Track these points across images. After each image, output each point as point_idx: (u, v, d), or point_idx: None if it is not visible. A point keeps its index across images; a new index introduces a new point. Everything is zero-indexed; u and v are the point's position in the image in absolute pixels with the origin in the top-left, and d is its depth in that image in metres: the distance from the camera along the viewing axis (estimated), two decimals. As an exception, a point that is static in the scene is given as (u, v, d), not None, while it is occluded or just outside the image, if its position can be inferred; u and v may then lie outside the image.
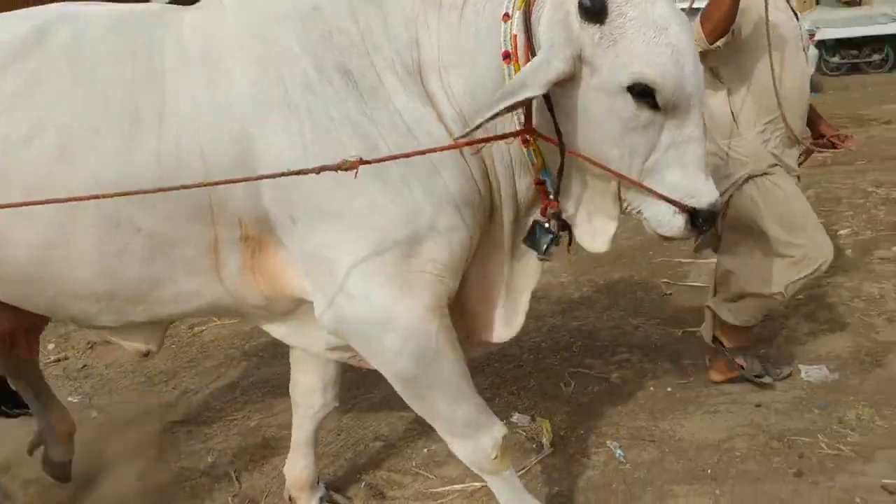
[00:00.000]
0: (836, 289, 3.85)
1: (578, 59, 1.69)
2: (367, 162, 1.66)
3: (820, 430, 2.63)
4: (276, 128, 1.81)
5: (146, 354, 2.37)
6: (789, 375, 3.02)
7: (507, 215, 1.99)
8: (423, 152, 1.77)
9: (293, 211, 1.86)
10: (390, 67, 1.86)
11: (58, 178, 1.82)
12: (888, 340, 3.25)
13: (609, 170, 1.77)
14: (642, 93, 1.67)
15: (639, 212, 1.85)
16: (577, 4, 1.67)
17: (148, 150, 1.82)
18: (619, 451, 2.62)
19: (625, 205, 1.87)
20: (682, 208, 1.78)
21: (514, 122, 1.83)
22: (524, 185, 1.95)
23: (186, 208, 1.85)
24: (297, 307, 2.08)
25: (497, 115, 1.65)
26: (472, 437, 2.04)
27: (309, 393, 2.45)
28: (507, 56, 1.78)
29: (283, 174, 1.66)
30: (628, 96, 1.68)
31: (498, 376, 3.38)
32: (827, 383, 2.97)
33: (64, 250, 1.90)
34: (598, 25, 1.66)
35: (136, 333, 2.22)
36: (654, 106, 1.69)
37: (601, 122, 1.74)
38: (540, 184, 1.90)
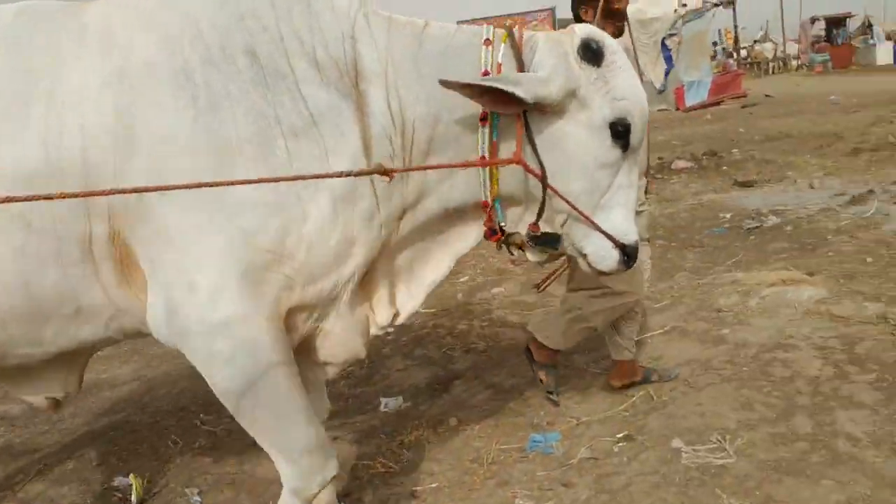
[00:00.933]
0: (436, 328, 4.48)
1: (573, 95, 1.88)
2: (409, 169, 1.91)
3: (381, 453, 3.06)
4: (167, 96, 1.80)
5: (58, 404, 2.27)
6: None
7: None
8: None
9: (153, 178, 1.79)
10: (307, 55, 1.88)
11: None
12: (459, 368, 3.86)
13: (572, 205, 1.94)
14: (618, 133, 1.91)
15: (580, 248, 2.04)
16: (578, 47, 1.89)
17: (36, 133, 1.81)
18: (195, 497, 2.82)
19: (566, 242, 2.05)
20: (618, 245, 1.99)
21: (477, 151, 1.94)
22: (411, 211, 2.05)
23: (63, 204, 1.81)
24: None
25: (471, 86, 1.78)
26: (299, 461, 2.02)
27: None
28: (486, 74, 1.89)
29: (303, 177, 1.76)
30: (607, 133, 1.91)
31: (113, 444, 3.43)
32: (400, 411, 3.45)
33: None
34: (595, 67, 1.90)
35: (53, 375, 2.18)
36: (624, 146, 1.93)
37: (577, 156, 1.92)
38: (487, 207, 2.00)
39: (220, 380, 1.92)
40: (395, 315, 2.18)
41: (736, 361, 3.38)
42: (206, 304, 1.82)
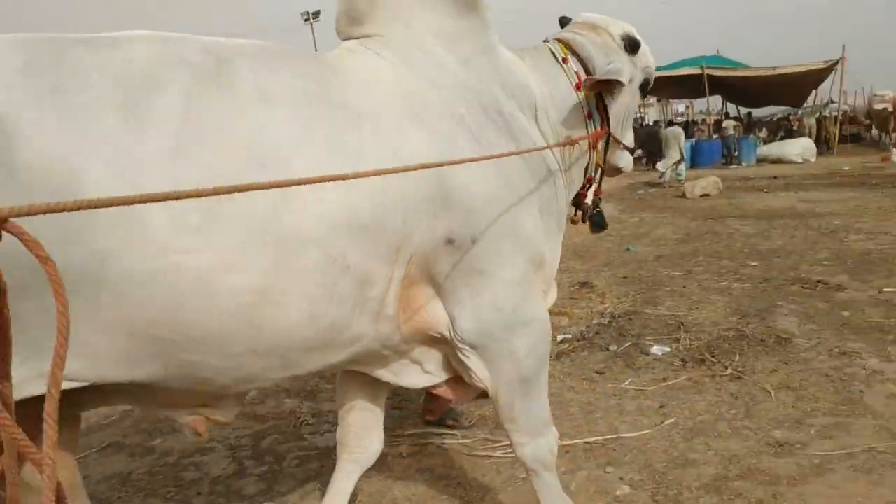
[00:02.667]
0: None
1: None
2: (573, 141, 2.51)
3: None
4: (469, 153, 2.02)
5: (200, 434, 2.06)
6: None
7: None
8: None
9: (474, 231, 2.04)
10: (522, 109, 2.37)
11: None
12: None
13: (626, 146, 2.89)
14: (644, 88, 2.84)
15: (615, 166, 2.94)
16: (623, 43, 2.68)
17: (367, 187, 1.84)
18: None
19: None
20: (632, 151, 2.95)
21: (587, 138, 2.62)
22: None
23: (383, 245, 1.89)
24: (413, 347, 2.19)
25: (601, 83, 2.51)
26: (544, 434, 2.36)
27: (363, 433, 2.58)
28: (578, 87, 2.57)
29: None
30: (639, 91, 2.83)
31: None
32: None
33: (278, 296, 1.73)
34: (635, 55, 2.72)
35: (228, 401, 2.01)
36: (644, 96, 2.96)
37: (627, 115, 2.82)
38: (591, 180, 2.76)
39: (520, 371, 2.23)
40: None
41: (153, 471, 3.55)
42: (511, 317, 2.17)
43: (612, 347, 4.91)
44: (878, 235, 8.41)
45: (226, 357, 1.76)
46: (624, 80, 2.51)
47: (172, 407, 1.98)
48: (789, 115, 29.06)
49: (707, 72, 23.59)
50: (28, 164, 1.48)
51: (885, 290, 5.86)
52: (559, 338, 5.10)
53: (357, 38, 2.21)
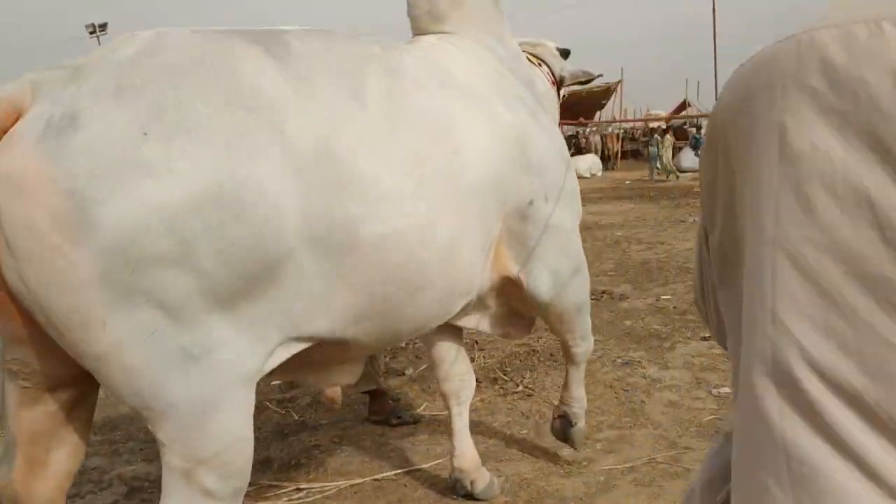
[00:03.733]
0: None
1: None
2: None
3: None
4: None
5: (337, 404, 2.72)
6: None
7: None
8: None
9: (546, 190, 2.42)
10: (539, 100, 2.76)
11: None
12: None
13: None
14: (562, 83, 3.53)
15: None
16: (559, 52, 3.51)
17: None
18: None
19: None
20: None
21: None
22: None
23: (500, 201, 2.26)
24: (489, 296, 2.53)
25: (586, 76, 3.66)
26: (588, 337, 2.97)
27: (462, 376, 3.02)
28: (553, 83, 3.40)
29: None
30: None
31: None
32: None
33: (459, 246, 2.08)
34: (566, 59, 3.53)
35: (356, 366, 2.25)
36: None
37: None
38: None
39: (579, 304, 2.77)
40: None
41: None
42: (574, 262, 2.67)
43: (409, 371, 4.76)
44: (656, 245, 9.05)
45: (422, 308, 2.05)
46: (586, 77, 3.64)
47: (332, 368, 2.17)
48: (577, 132, 31.13)
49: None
50: (295, 134, 1.66)
51: (662, 297, 6.23)
52: (354, 364, 4.87)
53: (436, 34, 2.55)
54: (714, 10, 29.12)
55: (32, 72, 1.55)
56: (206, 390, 1.55)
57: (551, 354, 4.80)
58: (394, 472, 3.32)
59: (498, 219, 2.29)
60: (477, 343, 5.14)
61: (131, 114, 1.47)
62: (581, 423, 3.16)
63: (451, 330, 2.83)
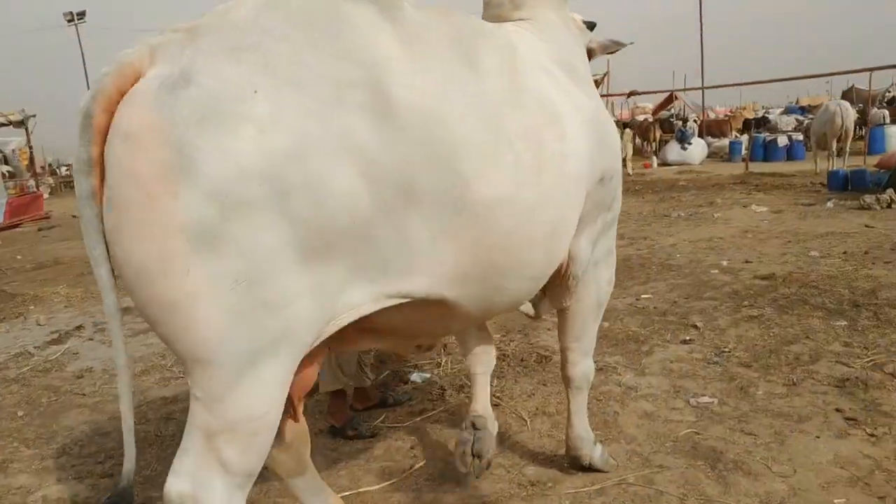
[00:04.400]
0: None
1: None
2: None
3: None
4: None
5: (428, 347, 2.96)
6: None
7: None
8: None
9: (615, 169, 2.57)
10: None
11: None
12: None
13: None
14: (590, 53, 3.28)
15: None
16: (585, 25, 3.14)
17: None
18: None
19: None
20: None
21: None
22: None
23: (585, 182, 2.32)
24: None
25: (618, 45, 3.39)
26: (590, 356, 2.95)
27: (487, 351, 3.17)
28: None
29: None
30: None
31: None
32: None
33: (562, 227, 2.21)
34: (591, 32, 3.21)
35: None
36: None
37: None
38: None
39: (600, 298, 2.81)
40: None
41: None
42: (611, 245, 2.78)
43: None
44: (638, 240, 8.79)
45: (522, 280, 2.07)
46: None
47: (420, 336, 2.32)
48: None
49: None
50: (402, 92, 1.68)
51: (643, 296, 5.97)
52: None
53: (514, 20, 2.62)
54: (701, 4, 28.94)
55: (152, 37, 1.62)
56: (265, 345, 1.55)
57: (522, 360, 4.53)
58: (342, 494, 3.03)
59: (583, 202, 2.35)
60: (445, 346, 4.85)
61: (243, 70, 1.51)
62: (597, 456, 3.05)
63: None
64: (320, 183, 1.53)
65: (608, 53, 3.45)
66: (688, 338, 4.75)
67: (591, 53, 3.26)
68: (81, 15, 33.35)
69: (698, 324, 5.04)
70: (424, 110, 1.70)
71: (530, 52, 2.29)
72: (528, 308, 3.21)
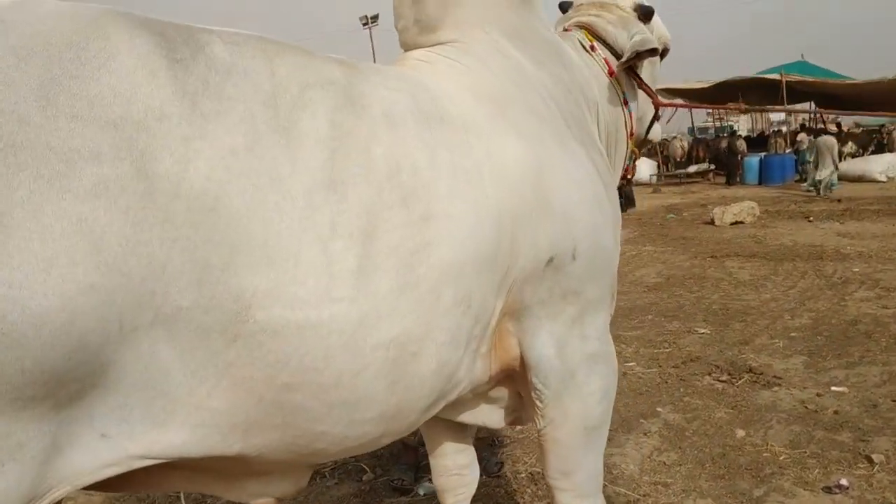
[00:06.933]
0: None
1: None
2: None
3: None
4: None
5: None
6: None
7: None
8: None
9: (577, 244, 1.83)
10: (589, 108, 2.26)
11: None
12: None
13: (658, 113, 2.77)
14: (663, 55, 2.69)
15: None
16: (636, 13, 2.54)
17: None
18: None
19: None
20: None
21: (624, 121, 2.51)
22: None
23: (497, 273, 1.68)
24: (492, 386, 1.94)
25: (645, 52, 2.39)
26: (594, 497, 2.07)
27: (461, 469, 2.37)
28: (611, 73, 2.43)
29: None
30: (657, 58, 2.64)
31: None
32: None
33: (415, 346, 1.53)
34: (650, 23, 2.57)
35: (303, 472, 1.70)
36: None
37: (655, 83, 2.68)
38: (628, 170, 2.63)
39: (598, 411, 1.98)
40: None
41: None
42: (595, 347, 1.94)
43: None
44: (893, 293, 6.66)
45: (354, 424, 1.53)
46: (658, 46, 2.46)
47: (243, 482, 1.65)
48: (882, 126, 26.09)
49: (793, 78, 22.24)
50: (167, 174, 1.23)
51: (833, 388, 4.33)
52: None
53: (429, 47, 2.02)
54: None
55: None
56: None
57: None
58: None
59: (497, 295, 1.73)
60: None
61: None
62: None
63: (446, 421, 2.23)
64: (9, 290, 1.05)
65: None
66: (842, 482, 3.19)
67: (632, 63, 2.47)
68: (375, 18, 36.12)
69: (877, 455, 3.39)
70: (192, 194, 1.23)
71: (409, 99, 1.67)
72: (491, 422, 2.28)
